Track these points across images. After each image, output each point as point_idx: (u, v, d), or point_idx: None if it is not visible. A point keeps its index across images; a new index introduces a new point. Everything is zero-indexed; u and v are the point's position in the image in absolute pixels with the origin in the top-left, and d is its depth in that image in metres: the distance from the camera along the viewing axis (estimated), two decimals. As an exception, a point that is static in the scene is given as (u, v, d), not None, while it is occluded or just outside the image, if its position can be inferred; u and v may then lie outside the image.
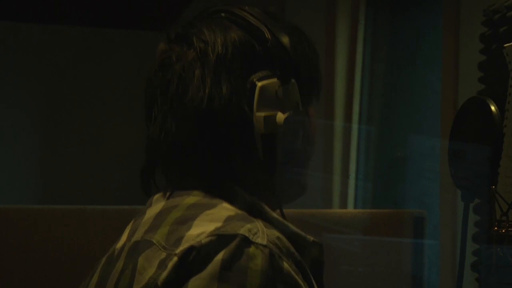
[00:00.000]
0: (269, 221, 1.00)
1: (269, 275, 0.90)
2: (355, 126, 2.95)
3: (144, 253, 0.96)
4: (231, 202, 1.01)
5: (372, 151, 2.97)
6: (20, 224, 1.83)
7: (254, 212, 1.00)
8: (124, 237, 1.07)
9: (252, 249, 0.91)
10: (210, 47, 1.03)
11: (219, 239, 0.91)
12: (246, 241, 0.91)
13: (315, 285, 1.00)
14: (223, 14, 1.08)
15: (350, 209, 2.86)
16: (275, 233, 0.95)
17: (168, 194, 1.05)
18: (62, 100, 4.90)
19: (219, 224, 0.94)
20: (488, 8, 1.78)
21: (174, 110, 1.03)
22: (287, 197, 1.12)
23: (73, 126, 4.89)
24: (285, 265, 0.92)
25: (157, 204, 1.05)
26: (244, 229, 0.92)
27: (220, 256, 0.90)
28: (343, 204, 2.87)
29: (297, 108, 1.05)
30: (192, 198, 1.01)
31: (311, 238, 1.03)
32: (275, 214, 1.03)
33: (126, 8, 4.66)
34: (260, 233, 0.93)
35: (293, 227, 1.03)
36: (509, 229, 1.35)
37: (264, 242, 0.92)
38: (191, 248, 0.91)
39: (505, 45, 1.54)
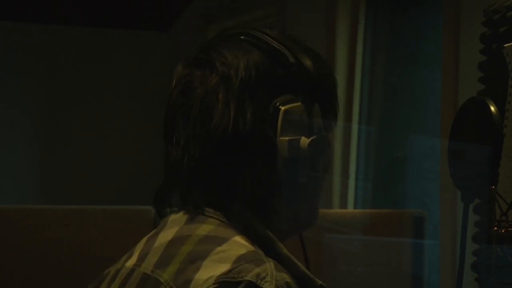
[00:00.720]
0: (279, 259, 0.98)
1: None
2: (355, 126, 2.95)
3: None
4: (244, 233, 0.99)
5: (372, 151, 2.97)
6: (20, 224, 1.83)
7: (267, 247, 0.99)
8: (135, 257, 1.05)
9: None
10: (233, 71, 1.02)
11: (226, 285, 0.90)
12: (252, 287, 0.90)
13: None
14: (242, 37, 1.06)
15: (350, 209, 2.86)
16: (285, 277, 0.93)
17: (181, 216, 1.03)
18: (62, 100, 4.89)
19: (227, 267, 0.92)
20: (488, 8, 1.78)
21: (197, 135, 1.01)
22: (301, 223, 1.10)
23: (73, 126, 4.89)
24: None
25: (171, 229, 1.03)
26: (252, 274, 0.91)
27: None
28: (343, 204, 2.87)
29: (320, 133, 1.04)
30: (206, 227, 0.99)
31: (319, 282, 1.01)
32: (286, 251, 1.01)
33: (126, 8, 4.66)
34: (268, 277, 0.91)
35: (303, 268, 1.01)
36: (509, 229, 1.35)
37: (272, 287, 0.90)
38: None
39: (505, 45, 1.54)
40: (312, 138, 1.02)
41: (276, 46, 1.04)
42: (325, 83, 1.08)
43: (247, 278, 0.90)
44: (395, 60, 2.93)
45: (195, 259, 0.95)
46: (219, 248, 0.95)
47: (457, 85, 2.24)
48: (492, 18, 1.76)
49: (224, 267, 0.92)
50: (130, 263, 1.05)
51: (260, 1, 3.61)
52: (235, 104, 1.00)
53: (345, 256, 1.93)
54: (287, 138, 1.01)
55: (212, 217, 1.01)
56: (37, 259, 1.81)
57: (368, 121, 2.98)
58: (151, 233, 1.08)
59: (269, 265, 0.93)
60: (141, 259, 1.03)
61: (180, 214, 1.05)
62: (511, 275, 1.38)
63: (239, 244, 0.97)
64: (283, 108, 1.01)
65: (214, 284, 0.90)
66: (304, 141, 1.02)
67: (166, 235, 1.03)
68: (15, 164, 4.80)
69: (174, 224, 1.04)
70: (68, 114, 4.90)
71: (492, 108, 1.43)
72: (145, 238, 1.08)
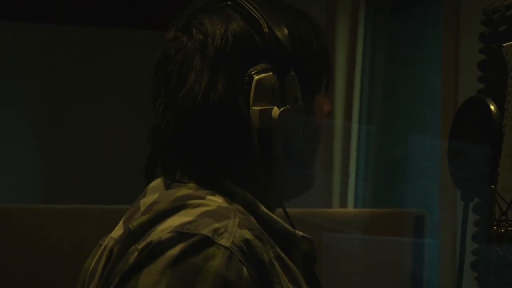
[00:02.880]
0: (259, 217, 0.99)
1: (223, 279, 0.88)
2: (355, 126, 2.95)
3: (120, 244, 0.97)
4: (225, 196, 1.00)
5: (372, 151, 2.97)
6: (20, 224, 1.83)
7: (245, 206, 0.99)
8: (119, 227, 1.07)
9: (212, 249, 0.89)
10: (210, 38, 1.02)
11: (178, 236, 0.90)
12: (206, 241, 0.90)
13: (303, 283, 0.99)
14: (229, 3, 1.06)
15: (350, 208, 2.86)
16: (245, 233, 0.93)
17: (166, 184, 1.04)
18: (62, 100, 4.90)
19: (188, 219, 0.92)
20: (487, 8, 1.78)
21: (173, 102, 1.02)
22: (290, 193, 1.10)
23: (73, 126, 4.89)
24: (245, 271, 0.90)
25: (151, 196, 1.04)
26: (209, 229, 0.91)
27: (174, 251, 0.89)
28: (343, 204, 2.87)
29: (295, 102, 1.03)
30: (184, 190, 1.00)
31: (300, 234, 1.02)
32: (265, 209, 1.01)
33: (126, 8, 4.66)
34: (227, 233, 0.91)
35: (282, 223, 1.01)
36: (509, 228, 1.35)
37: (228, 244, 0.90)
38: (149, 243, 0.91)
39: (504, 44, 1.54)
40: (283, 108, 1.01)
41: (253, 14, 1.03)
42: (308, 48, 1.07)
43: (203, 231, 0.90)
44: (395, 60, 2.93)
45: (165, 215, 0.95)
46: (190, 202, 0.96)
47: (457, 85, 2.24)
48: (491, 17, 1.76)
49: (185, 219, 0.93)
50: (116, 233, 1.06)
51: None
52: (208, 72, 1.00)
53: (345, 255, 1.93)
54: (259, 108, 1.00)
55: (192, 182, 1.01)
56: (37, 259, 1.81)
57: (368, 121, 2.98)
58: (132, 204, 1.09)
59: (232, 222, 0.93)
60: (123, 227, 1.04)
61: (159, 181, 1.06)
62: (511, 275, 1.38)
63: (212, 201, 0.97)
64: (256, 77, 1.01)
65: (170, 232, 0.91)
66: (276, 111, 1.01)
67: (146, 202, 1.03)
68: (15, 164, 4.80)
69: (154, 191, 1.05)
70: (68, 114, 4.91)
71: (492, 108, 1.43)
72: (128, 210, 1.09)
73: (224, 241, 0.90)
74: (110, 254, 1.04)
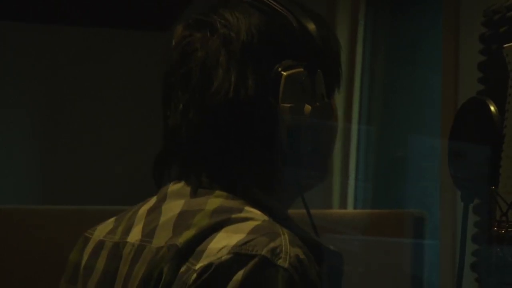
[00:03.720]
0: (290, 227, 0.96)
1: None
2: (355, 126, 2.94)
3: (168, 264, 0.92)
4: (253, 203, 0.97)
5: (372, 151, 2.97)
6: (20, 224, 1.83)
7: (276, 216, 0.97)
8: (137, 231, 1.02)
9: (273, 272, 0.88)
10: (235, 33, 0.98)
11: (239, 258, 0.88)
12: (266, 263, 0.88)
13: None
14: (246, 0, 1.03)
15: (350, 209, 2.86)
16: (298, 252, 0.91)
17: (184, 189, 1.00)
18: (62, 100, 4.90)
19: (242, 237, 0.90)
20: (488, 9, 1.78)
21: (197, 100, 0.98)
22: (308, 184, 1.07)
23: (73, 126, 4.89)
24: None
25: (175, 201, 1.00)
26: (266, 249, 0.89)
27: (238, 276, 0.87)
28: (343, 204, 2.87)
29: (323, 99, 1.01)
30: (215, 200, 0.96)
31: (332, 247, 1.00)
32: (292, 220, 0.99)
33: (126, 8, 4.66)
34: (283, 253, 0.89)
35: (312, 235, 1.00)
36: (509, 229, 1.35)
37: (286, 265, 0.88)
38: (210, 265, 0.88)
39: (504, 45, 1.54)
40: (315, 105, 0.99)
41: (279, 9, 1.01)
42: (329, 48, 1.05)
43: (262, 253, 0.88)
44: (395, 60, 2.93)
45: (211, 231, 0.92)
46: (233, 217, 0.93)
47: (457, 85, 2.23)
48: (492, 18, 1.76)
49: (239, 237, 0.90)
50: (134, 238, 1.01)
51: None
52: (236, 68, 0.97)
53: (345, 256, 1.92)
54: (289, 105, 0.98)
55: (217, 188, 0.98)
56: (37, 259, 1.81)
57: (368, 121, 2.98)
58: (149, 205, 1.05)
59: (284, 239, 0.91)
60: (149, 235, 0.99)
61: (181, 185, 1.02)
62: (511, 275, 1.38)
63: (253, 214, 0.94)
64: (285, 73, 0.98)
65: (228, 254, 0.88)
66: (307, 108, 0.99)
67: (171, 208, 0.99)
68: (16, 164, 4.80)
69: (178, 197, 1.00)
70: (68, 114, 4.91)
71: (492, 108, 1.43)
72: (143, 210, 1.04)
73: (282, 262, 0.89)
74: (113, 253, 1.01)
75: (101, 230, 1.11)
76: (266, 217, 0.95)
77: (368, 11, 2.97)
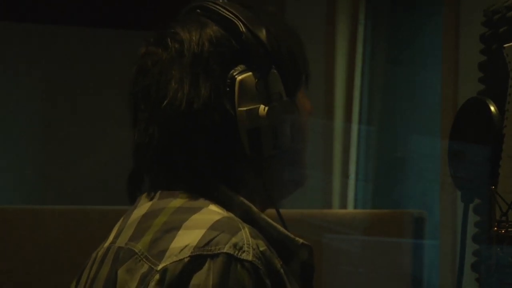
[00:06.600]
0: (257, 223, 0.98)
1: None
2: (355, 126, 2.94)
3: (125, 265, 0.95)
4: (218, 203, 0.99)
5: (372, 151, 2.97)
6: (20, 224, 1.83)
7: (242, 213, 0.98)
8: (111, 237, 1.06)
9: (238, 267, 0.89)
10: (186, 46, 1.01)
11: (203, 258, 0.89)
12: (230, 259, 0.90)
13: None
14: (198, 11, 1.06)
15: (350, 209, 2.86)
16: (260, 244, 0.93)
17: (153, 194, 1.03)
18: (62, 100, 4.89)
19: (202, 233, 0.91)
20: (488, 9, 1.78)
21: (155, 115, 1.01)
22: (282, 192, 1.09)
23: (73, 126, 4.89)
24: (268, 282, 0.91)
25: (143, 205, 1.03)
26: (228, 246, 0.90)
27: (202, 277, 0.88)
28: (343, 205, 2.87)
29: (281, 99, 1.03)
30: (178, 200, 0.99)
31: (300, 241, 1.01)
32: (263, 215, 1.00)
33: (126, 8, 4.66)
34: (245, 246, 0.91)
35: (282, 229, 1.01)
36: (509, 229, 1.35)
37: (250, 258, 0.90)
38: (172, 266, 0.90)
39: (505, 45, 1.54)
40: (270, 105, 1.01)
41: (228, 17, 1.03)
42: (285, 46, 1.06)
43: (224, 250, 0.90)
44: (395, 60, 2.93)
45: (170, 229, 0.94)
46: (193, 216, 0.95)
47: (457, 85, 2.24)
48: (492, 19, 1.76)
49: (198, 234, 0.91)
50: (107, 243, 1.05)
51: (259, 2, 3.61)
52: (189, 79, 0.99)
53: (345, 256, 1.93)
54: (245, 108, 1.00)
55: (182, 190, 1.00)
56: (37, 259, 1.81)
57: (368, 121, 2.98)
58: (127, 212, 1.08)
59: (245, 232, 0.92)
60: (116, 236, 1.03)
61: (151, 193, 1.05)
62: (511, 275, 1.38)
63: (212, 212, 0.96)
64: (238, 78, 1.00)
65: (190, 254, 0.90)
66: (262, 109, 1.00)
67: (139, 211, 1.02)
68: (15, 164, 4.80)
69: (146, 202, 1.03)
70: (68, 114, 4.90)
71: (492, 108, 1.43)
72: (121, 219, 1.08)
73: (245, 255, 0.90)
74: (93, 260, 1.04)
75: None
76: (226, 213, 0.97)
77: (368, 11, 2.97)
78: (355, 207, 2.91)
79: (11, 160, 4.78)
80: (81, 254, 1.18)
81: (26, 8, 4.61)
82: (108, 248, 1.03)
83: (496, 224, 1.37)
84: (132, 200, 1.08)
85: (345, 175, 2.90)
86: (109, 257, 1.01)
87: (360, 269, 1.93)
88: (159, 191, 1.03)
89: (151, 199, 1.03)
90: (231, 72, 1.00)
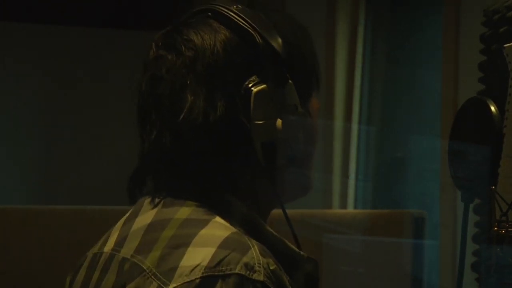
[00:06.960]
0: (263, 236, 0.97)
1: None
2: (355, 126, 2.94)
3: (134, 282, 0.93)
4: (224, 213, 0.97)
5: (372, 151, 2.97)
6: (20, 224, 1.83)
7: (249, 226, 0.97)
8: (112, 241, 1.04)
9: (249, 287, 0.89)
10: (200, 54, 0.98)
11: (214, 279, 0.89)
12: (242, 280, 0.89)
13: None
14: (210, 14, 1.02)
15: (350, 209, 2.86)
16: (270, 262, 0.92)
17: (156, 201, 1.01)
18: (62, 100, 4.89)
19: (212, 251, 0.90)
20: (488, 9, 1.78)
21: (168, 126, 0.99)
22: (291, 197, 1.08)
23: (73, 127, 4.89)
24: None
25: (148, 212, 1.01)
26: (240, 266, 0.90)
27: None
28: (343, 205, 2.87)
29: (296, 110, 1.01)
30: (184, 210, 0.97)
31: (306, 255, 1.00)
32: (269, 228, 1.00)
33: (126, 8, 4.66)
34: (256, 266, 0.90)
35: (288, 244, 1.00)
36: (509, 229, 1.35)
37: (261, 278, 0.90)
38: (184, 287, 0.89)
39: (505, 45, 1.54)
40: (285, 119, 0.99)
41: (243, 25, 1.00)
42: (299, 54, 1.04)
43: (236, 271, 0.89)
44: (395, 60, 2.93)
45: (179, 245, 0.93)
46: (201, 232, 0.93)
47: (457, 85, 2.24)
48: (492, 18, 1.76)
49: (208, 252, 0.90)
50: (108, 248, 1.03)
51: (259, 2, 3.61)
52: (204, 91, 0.97)
53: (345, 256, 1.93)
54: (261, 122, 0.97)
55: (190, 199, 0.98)
56: (37, 259, 1.81)
57: (368, 121, 2.98)
58: (127, 216, 1.06)
59: (254, 251, 0.91)
60: (119, 243, 1.01)
61: (156, 197, 1.02)
62: (511, 275, 1.38)
63: (220, 226, 0.95)
64: (254, 90, 0.97)
65: (202, 275, 0.89)
66: (279, 123, 0.98)
67: (144, 219, 1.00)
68: (16, 164, 4.80)
69: (151, 208, 1.01)
70: (68, 114, 4.90)
71: (492, 108, 1.43)
72: (121, 221, 1.06)
73: (257, 276, 0.90)
74: (91, 264, 1.03)
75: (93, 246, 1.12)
76: (233, 229, 0.95)
77: (368, 11, 2.97)
78: (355, 207, 2.91)
79: (12, 160, 4.78)
80: (81, 254, 1.18)
81: (26, 8, 4.61)
82: (112, 256, 1.01)
83: (496, 224, 1.37)
84: (133, 201, 1.06)
85: (345, 175, 2.90)
86: (113, 267, 0.99)
87: (360, 269, 1.93)
88: (163, 199, 1.01)
89: (154, 206, 1.01)
90: (246, 83, 0.98)
